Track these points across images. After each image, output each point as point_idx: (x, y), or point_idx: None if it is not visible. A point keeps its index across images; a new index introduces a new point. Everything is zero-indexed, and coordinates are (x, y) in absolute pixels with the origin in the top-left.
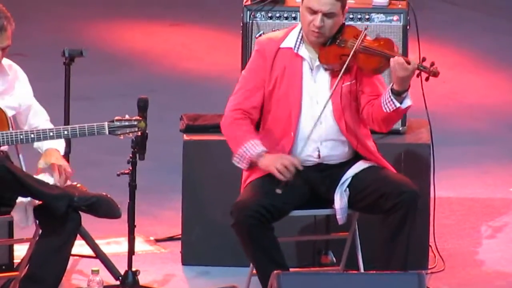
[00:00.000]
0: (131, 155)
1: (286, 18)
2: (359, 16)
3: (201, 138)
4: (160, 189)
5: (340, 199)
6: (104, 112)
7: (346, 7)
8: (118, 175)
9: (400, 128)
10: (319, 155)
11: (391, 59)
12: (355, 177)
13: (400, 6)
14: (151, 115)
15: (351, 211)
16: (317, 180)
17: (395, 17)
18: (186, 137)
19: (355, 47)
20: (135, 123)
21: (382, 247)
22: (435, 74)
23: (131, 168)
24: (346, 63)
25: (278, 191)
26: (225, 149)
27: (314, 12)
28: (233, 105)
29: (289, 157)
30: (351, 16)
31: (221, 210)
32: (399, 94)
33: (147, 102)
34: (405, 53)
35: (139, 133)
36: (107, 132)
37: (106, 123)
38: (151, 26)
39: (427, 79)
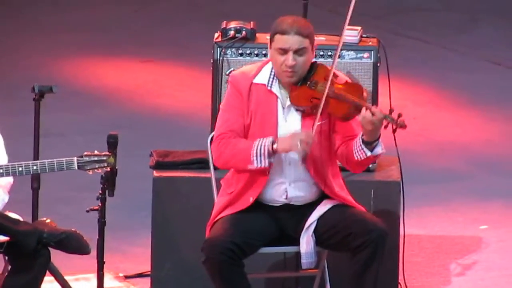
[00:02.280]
0: (100, 192)
1: (257, 55)
2: (329, 53)
3: (171, 174)
4: (130, 226)
5: (306, 244)
6: (74, 148)
7: (315, 43)
8: (88, 211)
9: (370, 166)
10: (286, 196)
11: (364, 110)
12: (321, 217)
13: (370, 43)
14: (121, 151)
15: (320, 249)
16: (284, 220)
17: (366, 54)
18: (155, 173)
19: (325, 93)
20: (104, 158)
21: (351, 285)
22: (402, 126)
23: (100, 204)
24: (320, 109)
25: (301, 163)
26: (195, 186)
27: (284, 51)
28: (219, 138)
29: (301, 133)
30: (321, 53)
31: (191, 246)
32: (369, 144)
33: (117, 138)
34: (375, 90)
35: (108, 169)
36: (76, 167)
37: (75, 158)
38: (122, 62)
39: (394, 131)
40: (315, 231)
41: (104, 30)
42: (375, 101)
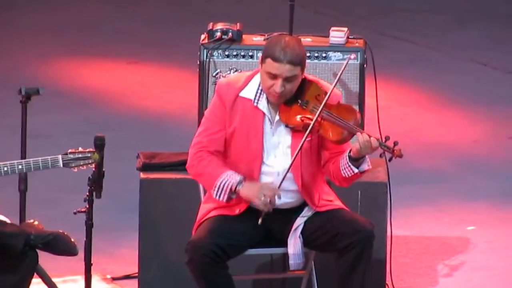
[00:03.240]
0: (87, 193)
1: (243, 57)
2: (316, 54)
3: (158, 176)
4: (117, 227)
5: (293, 245)
6: (61, 150)
7: (306, 66)
8: (75, 213)
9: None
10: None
11: (359, 136)
12: (308, 219)
13: (357, 44)
14: (108, 153)
15: (307, 250)
16: (271, 222)
17: (352, 55)
18: (142, 175)
19: (317, 114)
20: (89, 155)
21: (338, 286)
22: (400, 156)
23: (87, 206)
24: (309, 129)
25: (260, 221)
26: (181, 187)
27: (274, 77)
28: (197, 147)
29: (270, 187)
30: (308, 54)
31: (178, 248)
32: (356, 160)
33: (104, 140)
34: (362, 91)
35: (93, 166)
36: (61, 165)
37: (59, 156)
38: (108, 64)
39: (390, 159)
40: (302, 232)
41: (90, 31)
42: (361, 102)
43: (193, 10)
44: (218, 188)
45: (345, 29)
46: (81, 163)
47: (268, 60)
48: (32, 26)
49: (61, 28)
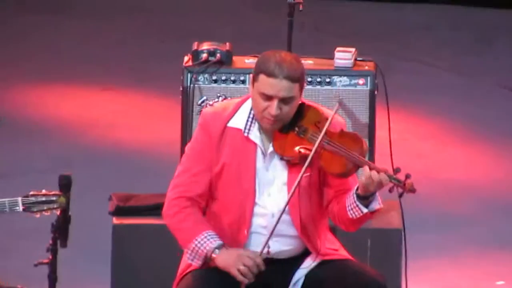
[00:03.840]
0: (51, 242)
1: (233, 82)
2: (318, 79)
3: (134, 221)
4: (86, 281)
5: None
6: (19, 191)
7: (304, 84)
8: (36, 265)
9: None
10: (268, 251)
11: (365, 169)
12: (310, 272)
13: (366, 67)
14: (75, 194)
15: None
16: (267, 274)
17: (361, 81)
18: (116, 220)
19: (317, 143)
20: (54, 198)
21: None
22: (412, 191)
23: (51, 257)
24: (308, 161)
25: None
26: (161, 234)
27: (268, 98)
28: (176, 192)
29: (251, 255)
30: (309, 79)
31: None
32: (365, 199)
33: (70, 179)
34: (372, 122)
35: (59, 211)
36: (20, 209)
37: (19, 198)
38: (79, 90)
39: (401, 195)
40: (303, 286)
41: (57, 54)
42: (371, 135)
43: (175, 29)
44: (192, 252)
45: (353, 49)
46: (45, 208)
47: (262, 77)
48: None
49: (24, 52)
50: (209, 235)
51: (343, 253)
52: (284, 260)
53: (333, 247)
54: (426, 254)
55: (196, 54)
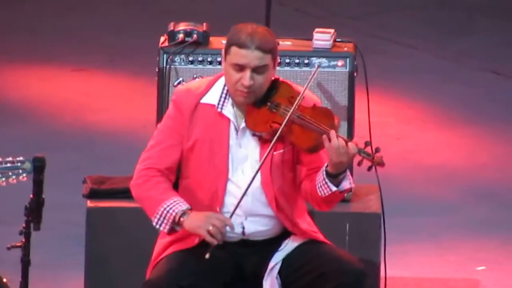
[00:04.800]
0: (24, 225)
1: (210, 63)
2: (296, 61)
3: (108, 204)
4: (59, 265)
5: (270, 287)
6: None
7: (278, 58)
8: (9, 248)
9: (345, 195)
10: (243, 232)
11: (327, 143)
12: (286, 257)
13: (346, 49)
14: (49, 177)
15: None
16: (242, 257)
17: (340, 62)
18: (90, 203)
19: (287, 117)
20: (19, 165)
21: None
22: (380, 164)
23: (24, 240)
24: (277, 135)
25: (208, 256)
26: (136, 218)
27: (241, 68)
28: (146, 164)
29: (219, 216)
30: (287, 60)
31: None
32: (335, 177)
33: (44, 162)
34: (351, 105)
35: (24, 178)
36: None
37: None
38: (49, 71)
39: (369, 168)
40: (280, 272)
41: (27, 32)
42: (351, 118)
43: (150, 9)
44: (160, 216)
45: (332, 30)
46: (10, 174)
47: (233, 49)
48: None
49: None
50: (178, 200)
51: (322, 238)
52: (261, 242)
53: (312, 232)
54: (406, 239)
55: (172, 35)
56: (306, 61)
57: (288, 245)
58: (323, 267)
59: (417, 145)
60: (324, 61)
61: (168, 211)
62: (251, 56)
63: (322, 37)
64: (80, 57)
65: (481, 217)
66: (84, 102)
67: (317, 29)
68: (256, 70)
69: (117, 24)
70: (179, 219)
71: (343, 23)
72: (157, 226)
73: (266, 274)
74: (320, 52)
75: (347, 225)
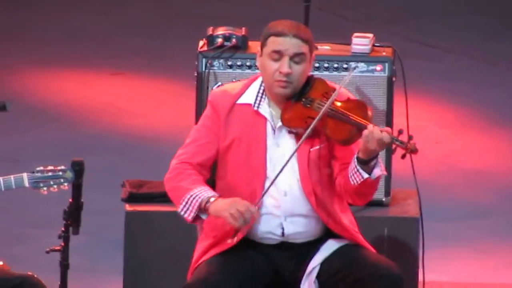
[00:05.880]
0: (63, 229)
1: (249, 67)
2: (335, 65)
3: (146, 208)
4: (98, 269)
5: None
6: None
7: (313, 55)
8: (48, 252)
9: (383, 199)
10: (283, 233)
11: (364, 131)
12: (326, 260)
13: (384, 53)
14: (88, 181)
15: None
16: (280, 261)
17: (379, 67)
18: (128, 207)
19: (322, 110)
20: (61, 173)
21: None
22: (413, 151)
23: (63, 243)
24: (310, 127)
25: (230, 240)
26: (174, 222)
27: (280, 56)
28: (181, 159)
29: (244, 202)
30: (326, 65)
31: None
32: (366, 163)
33: (82, 165)
34: (390, 109)
35: (66, 187)
36: (26, 184)
37: (25, 174)
38: (88, 75)
39: (403, 156)
40: (318, 276)
41: (67, 38)
42: (389, 122)
43: (190, 13)
44: (186, 203)
45: (370, 35)
46: (51, 183)
47: (271, 39)
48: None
49: (34, 34)
50: (206, 188)
51: (362, 240)
52: (299, 245)
53: (353, 231)
54: (444, 244)
55: (211, 39)
56: (345, 66)
57: (327, 247)
58: (360, 272)
59: (455, 150)
60: (362, 65)
61: (194, 198)
62: (289, 43)
63: (361, 42)
64: (118, 61)
65: None
66: (123, 106)
67: (355, 34)
68: (294, 58)
69: (155, 30)
70: (205, 205)
71: (381, 27)
72: (182, 213)
73: (304, 278)
74: (359, 57)
75: (386, 229)
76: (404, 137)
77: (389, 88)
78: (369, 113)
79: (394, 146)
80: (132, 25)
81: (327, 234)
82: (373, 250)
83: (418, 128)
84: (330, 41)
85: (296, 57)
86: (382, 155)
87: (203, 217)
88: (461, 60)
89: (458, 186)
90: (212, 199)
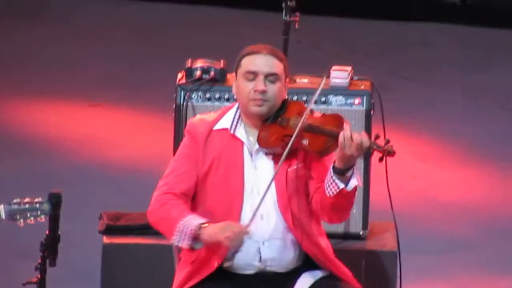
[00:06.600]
0: (39, 260)
1: (227, 100)
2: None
3: (124, 241)
4: None
5: None
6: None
7: (288, 80)
8: (24, 284)
9: (361, 232)
10: (260, 258)
11: (340, 134)
12: None
13: (362, 87)
14: (65, 213)
15: None
16: None
17: (357, 100)
18: (106, 239)
19: (299, 126)
20: (37, 206)
21: None
22: (390, 153)
23: (39, 276)
24: (289, 145)
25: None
26: (152, 254)
27: (254, 76)
28: (163, 190)
29: (237, 224)
30: (304, 97)
31: None
32: (342, 173)
33: (60, 197)
34: None
35: (42, 219)
36: (3, 216)
37: (1, 206)
38: (66, 106)
39: (381, 159)
40: None
41: (44, 66)
42: (367, 155)
43: (168, 45)
44: (179, 233)
45: (349, 68)
46: (28, 216)
47: (245, 59)
48: None
49: (8, 63)
50: (195, 216)
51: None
52: (276, 276)
53: (330, 256)
54: (422, 278)
55: (189, 72)
56: (323, 99)
57: (305, 280)
58: None
59: (433, 183)
60: (341, 99)
61: (186, 227)
62: (263, 61)
63: (339, 75)
64: (97, 93)
65: (497, 255)
66: (101, 137)
67: (334, 67)
68: (268, 77)
69: (133, 61)
70: (198, 232)
71: (360, 60)
72: (178, 243)
73: None
74: (337, 90)
75: (363, 262)
76: (381, 142)
77: (367, 121)
78: (345, 124)
79: (371, 150)
80: (111, 55)
81: (303, 263)
82: (353, 280)
83: (396, 162)
84: (309, 74)
85: (271, 76)
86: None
87: (197, 246)
88: (440, 94)
89: (436, 219)
90: (203, 225)
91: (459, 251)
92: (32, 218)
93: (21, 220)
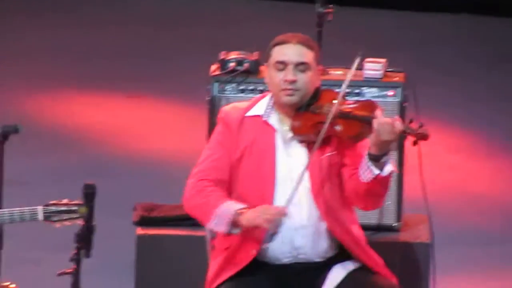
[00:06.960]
0: (74, 252)
1: (261, 91)
2: (347, 90)
3: (158, 232)
4: None
5: None
6: (40, 201)
7: (320, 67)
8: (59, 274)
9: (394, 224)
10: (293, 246)
11: (374, 120)
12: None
13: (396, 79)
14: (99, 204)
15: None
16: (291, 284)
17: (390, 92)
18: (140, 230)
19: (332, 112)
20: (75, 208)
21: None
22: (424, 136)
23: (74, 266)
24: (322, 131)
25: (266, 245)
26: (186, 246)
27: (284, 66)
28: (198, 177)
29: (274, 206)
30: (338, 89)
31: None
32: (377, 160)
33: (94, 189)
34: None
35: (80, 221)
36: (41, 218)
37: (39, 207)
38: (102, 98)
39: (415, 143)
40: None
41: (81, 60)
42: (401, 148)
43: (202, 38)
44: (217, 217)
45: (383, 60)
46: (65, 218)
47: (275, 49)
48: (7, 50)
49: (44, 54)
50: (233, 202)
51: (372, 255)
52: (310, 266)
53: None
54: (455, 270)
55: (223, 63)
56: (356, 91)
57: (338, 272)
58: None
59: (467, 175)
60: (374, 91)
61: (224, 212)
62: (293, 50)
63: (373, 67)
64: (134, 84)
65: None
66: (136, 129)
67: (367, 59)
68: (298, 67)
69: (170, 54)
70: (237, 217)
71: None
72: (215, 228)
73: None
74: (371, 82)
75: (397, 254)
76: (414, 126)
77: (401, 113)
78: (378, 110)
79: (405, 134)
80: (148, 48)
81: (336, 253)
82: (382, 264)
83: (430, 154)
84: (342, 66)
85: (300, 66)
86: (394, 176)
87: (234, 231)
88: (473, 87)
89: (470, 211)
90: (241, 211)
91: (493, 244)
92: (69, 221)
93: (58, 222)
